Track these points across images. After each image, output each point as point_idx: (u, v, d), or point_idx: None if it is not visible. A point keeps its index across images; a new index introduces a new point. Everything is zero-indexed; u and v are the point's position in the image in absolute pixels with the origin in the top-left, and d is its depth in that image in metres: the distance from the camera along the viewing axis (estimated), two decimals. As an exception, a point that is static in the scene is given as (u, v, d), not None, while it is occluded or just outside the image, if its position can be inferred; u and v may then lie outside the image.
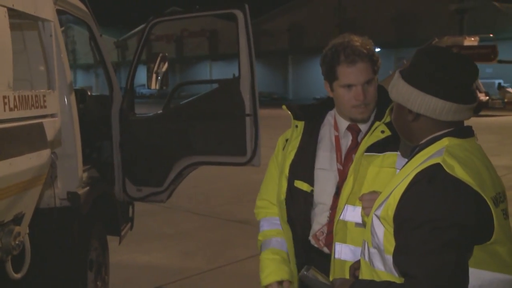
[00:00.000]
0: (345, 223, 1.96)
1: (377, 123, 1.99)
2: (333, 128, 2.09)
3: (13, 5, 2.39)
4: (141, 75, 4.75)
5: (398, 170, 1.81)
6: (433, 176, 1.43)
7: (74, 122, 3.36)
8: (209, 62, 50.48)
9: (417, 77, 1.56)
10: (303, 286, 1.85)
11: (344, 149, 2.05)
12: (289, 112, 2.14)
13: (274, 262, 2.12)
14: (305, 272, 1.72)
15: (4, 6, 2.34)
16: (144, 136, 4.39)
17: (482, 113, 24.70)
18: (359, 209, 1.88)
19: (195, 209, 7.65)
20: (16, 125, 2.38)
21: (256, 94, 4.10)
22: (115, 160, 4.40)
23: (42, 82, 3.09)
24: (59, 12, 3.41)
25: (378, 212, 1.55)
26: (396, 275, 1.49)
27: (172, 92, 4.68)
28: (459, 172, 1.44)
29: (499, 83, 32.87)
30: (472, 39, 26.92)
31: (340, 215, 1.96)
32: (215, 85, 4.35)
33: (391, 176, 1.78)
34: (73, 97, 3.39)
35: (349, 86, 1.95)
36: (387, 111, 1.96)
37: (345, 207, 1.95)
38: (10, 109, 2.34)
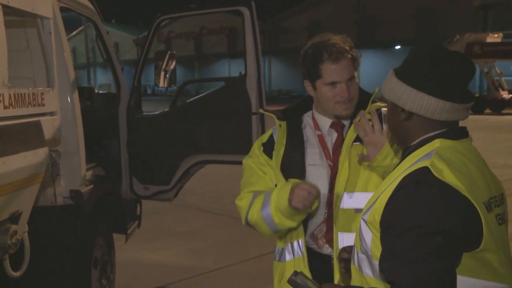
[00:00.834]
0: (344, 211, 1.97)
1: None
2: (314, 128, 2.09)
3: (8, 2, 2.37)
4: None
5: None
6: (420, 180, 1.37)
7: (77, 120, 3.35)
8: (228, 59, 50.52)
9: (410, 74, 1.50)
10: None
11: (330, 146, 2.06)
12: (270, 114, 2.13)
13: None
14: (294, 277, 1.66)
15: (-1, 3, 2.33)
16: (151, 134, 4.37)
17: (505, 111, 24.25)
18: (356, 195, 1.94)
19: (207, 207, 7.64)
20: (11, 123, 2.37)
21: (262, 92, 4.05)
22: (122, 158, 4.40)
23: (45, 80, 3.09)
24: (63, 10, 3.41)
25: (366, 217, 1.49)
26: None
27: (179, 90, 4.65)
28: (447, 176, 1.37)
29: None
30: (496, 35, 26.35)
31: (340, 203, 1.96)
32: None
33: None
34: (76, 95, 3.37)
35: (333, 83, 1.97)
36: (370, 101, 2.01)
37: (343, 194, 1.96)
38: (5, 107, 2.33)
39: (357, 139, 1.97)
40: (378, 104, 2.01)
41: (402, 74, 1.52)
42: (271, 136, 2.13)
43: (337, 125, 2.06)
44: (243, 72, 4.06)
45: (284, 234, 2.09)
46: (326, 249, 2.04)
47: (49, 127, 2.77)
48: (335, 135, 2.05)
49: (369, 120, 1.93)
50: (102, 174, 4.04)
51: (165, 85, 4.58)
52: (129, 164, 4.38)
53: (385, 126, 1.89)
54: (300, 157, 2.05)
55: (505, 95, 25.43)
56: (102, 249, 3.85)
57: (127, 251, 5.19)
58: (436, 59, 1.47)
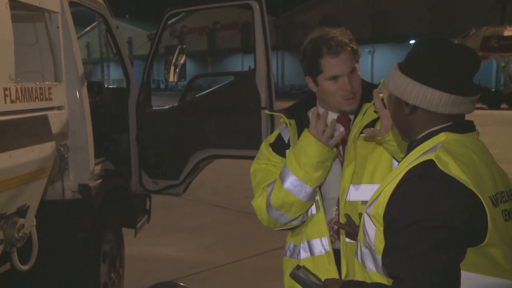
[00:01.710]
0: (351, 203, 1.95)
1: (367, 104, 1.98)
2: None
3: (14, -4, 2.37)
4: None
5: None
6: (424, 173, 1.34)
7: (86, 114, 3.35)
8: (241, 54, 50.46)
9: (413, 67, 1.47)
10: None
11: None
12: (279, 114, 2.08)
13: None
14: (296, 271, 1.65)
15: (5, -3, 2.33)
16: (160, 128, 4.38)
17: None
18: (362, 187, 1.92)
19: (217, 202, 7.64)
20: (18, 117, 2.37)
21: (272, 87, 4.03)
22: (132, 153, 4.42)
23: (53, 75, 3.10)
24: (72, 4, 3.41)
25: (369, 211, 1.47)
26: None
27: (188, 85, 4.64)
28: (453, 169, 1.34)
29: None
30: (514, 28, 25.92)
31: (346, 196, 1.93)
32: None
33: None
34: (84, 89, 3.38)
35: (335, 77, 1.94)
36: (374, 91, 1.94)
37: (349, 187, 1.93)
38: (12, 101, 2.33)
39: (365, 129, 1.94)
40: (382, 96, 1.97)
41: (406, 68, 1.49)
42: (279, 136, 2.09)
43: (344, 119, 2.03)
44: (252, 67, 4.04)
45: (300, 231, 2.04)
46: (337, 244, 2.01)
47: (56, 121, 2.77)
48: (341, 129, 2.02)
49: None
50: (111, 168, 4.05)
51: (175, 80, 4.58)
52: (138, 158, 4.40)
53: None
54: None
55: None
56: (111, 244, 3.86)
57: (137, 245, 5.21)
58: (439, 52, 1.44)
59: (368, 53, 40.48)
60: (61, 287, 3.38)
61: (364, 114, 1.98)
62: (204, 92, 4.51)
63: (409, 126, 1.52)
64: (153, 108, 4.47)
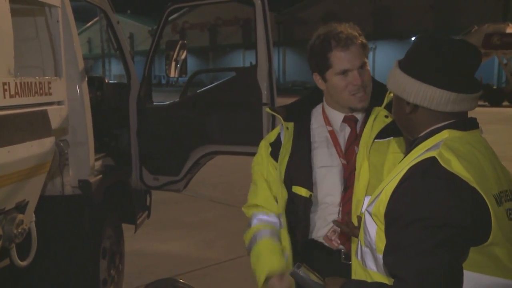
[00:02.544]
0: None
1: (377, 108, 1.90)
2: (325, 124, 1.98)
3: (14, -10, 2.35)
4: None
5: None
6: (426, 170, 1.32)
7: (86, 109, 3.33)
8: (242, 50, 50.39)
9: (412, 66, 1.45)
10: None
11: (342, 142, 1.95)
12: (277, 115, 2.03)
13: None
14: (296, 270, 1.63)
15: (5, -9, 2.30)
16: (161, 124, 4.36)
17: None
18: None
19: (218, 198, 7.63)
20: (16, 112, 2.36)
21: (273, 83, 4.01)
22: (132, 149, 4.40)
23: (53, 69, 3.08)
24: (73, -1, 3.39)
25: (370, 209, 1.45)
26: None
27: (189, 80, 4.62)
28: (456, 166, 1.32)
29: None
30: (516, 26, 25.84)
31: (361, 209, 1.84)
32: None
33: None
34: (84, 84, 3.36)
35: (344, 72, 1.86)
36: (386, 95, 1.89)
37: (364, 199, 1.84)
38: (11, 96, 2.31)
39: (378, 135, 1.86)
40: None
41: (405, 65, 1.47)
42: (279, 136, 2.05)
43: (350, 120, 1.94)
44: (254, 63, 4.02)
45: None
46: (342, 249, 1.95)
47: (56, 116, 2.75)
48: (348, 130, 1.94)
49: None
50: (112, 164, 4.03)
51: (176, 75, 4.55)
52: (139, 154, 4.38)
53: None
54: (307, 161, 1.95)
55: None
56: (111, 239, 3.85)
57: (137, 241, 5.19)
58: (438, 49, 1.42)
59: (370, 49, 40.47)
60: (60, 283, 3.37)
61: (375, 119, 1.89)
62: (205, 88, 4.49)
63: (411, 124, 1.50)
64: (154, 103, 4.45)
